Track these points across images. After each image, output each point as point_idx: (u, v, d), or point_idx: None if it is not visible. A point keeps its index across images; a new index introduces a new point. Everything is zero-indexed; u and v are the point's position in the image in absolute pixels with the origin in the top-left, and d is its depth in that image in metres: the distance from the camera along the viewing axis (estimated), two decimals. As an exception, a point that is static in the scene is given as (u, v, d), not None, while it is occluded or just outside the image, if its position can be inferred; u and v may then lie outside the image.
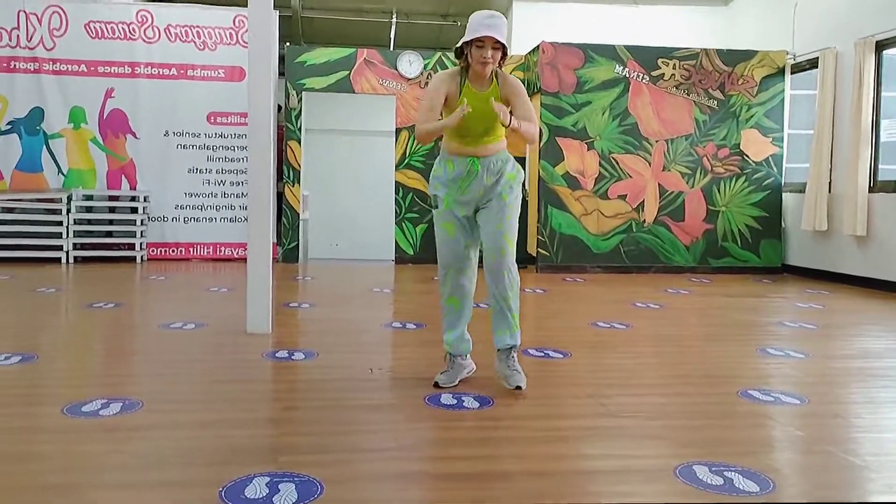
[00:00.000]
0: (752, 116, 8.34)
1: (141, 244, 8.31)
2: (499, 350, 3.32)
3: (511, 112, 3.17)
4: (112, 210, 8.57)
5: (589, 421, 2.93)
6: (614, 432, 2.80)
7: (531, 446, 2.63)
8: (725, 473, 2.33)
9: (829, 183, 7.66)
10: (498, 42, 3.11)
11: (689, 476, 2.30)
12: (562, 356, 3.97)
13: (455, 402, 3.06)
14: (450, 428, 2.81)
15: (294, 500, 2.08)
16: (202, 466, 2.36)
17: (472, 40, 3.12)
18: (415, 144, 8.65)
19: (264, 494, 2.12)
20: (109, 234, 8.46)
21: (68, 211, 8.06)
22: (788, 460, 2.62)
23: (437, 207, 3.34)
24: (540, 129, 7.96)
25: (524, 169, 8.77)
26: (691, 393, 3.39)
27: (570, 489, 2.26)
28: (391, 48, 9.70)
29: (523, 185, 3.41)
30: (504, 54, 3.19)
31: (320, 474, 2.26)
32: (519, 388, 3.20)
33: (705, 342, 4.69)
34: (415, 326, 4.79)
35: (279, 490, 2.15)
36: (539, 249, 8.04)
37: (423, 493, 2.25)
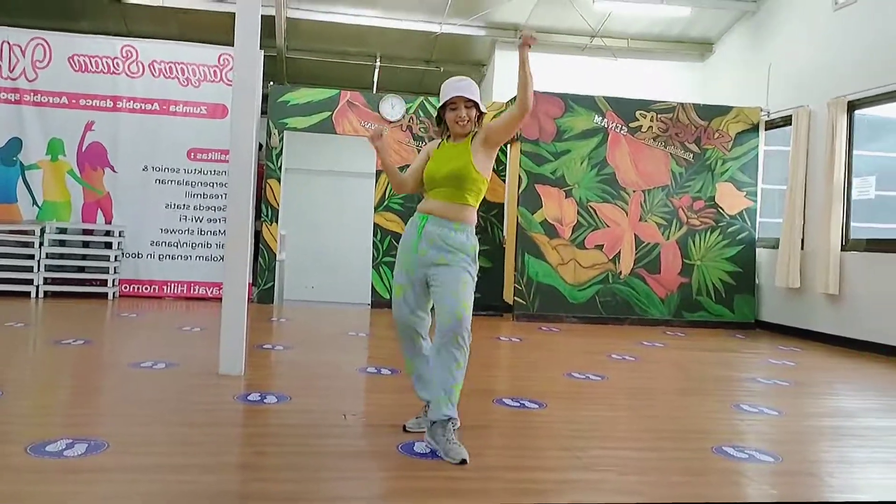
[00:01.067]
0: (727, 170, 8.48)
1: (114, 280, 8.20)
2: (433, 422, 3.04)
3: (494, 126, 3.20)
4: (86, 244, 8.47)
5: (564, 474, 2.90)
6: (589, 486, 2.77)
7: (505, 498, 2.59)
8: (700, 532, 2.31)
9: (802, 240, 7.78)
10: (470, 101, 3.17)
11: (664, 534, 2.28)
12: (537, 406, 3.95)
13: (428, 451, 3.02)
14: (422, 478, 2.77)
15: (262, 552, 2.03)
16: (168, 513, 2.29)
17: (446, 105, 3.20)
18: (395, 188, 8.68)
19: (231, 545, 2.06)
20: (82, 269, 8.34)
21: (41, 244, 7.95)
22: (763, 520, 2.61)
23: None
24: (519, 176, 8.06)
25: (503, 216, 8.85)
26: (666, 448, 3.37)
27: (544, 545, 2.23)
28: (374, 91, 9.79)
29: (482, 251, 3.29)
30: (480, 113, 3.23)
31: (289, 524, 2.20)
32: (465, 461, 2.88)
33: (680, 396, 4.69)
34: (389, 372, 4.74)
35: (247, 540, 2.09)
36: (515, 298, 8.03)
37: (394, 546, 2.20)
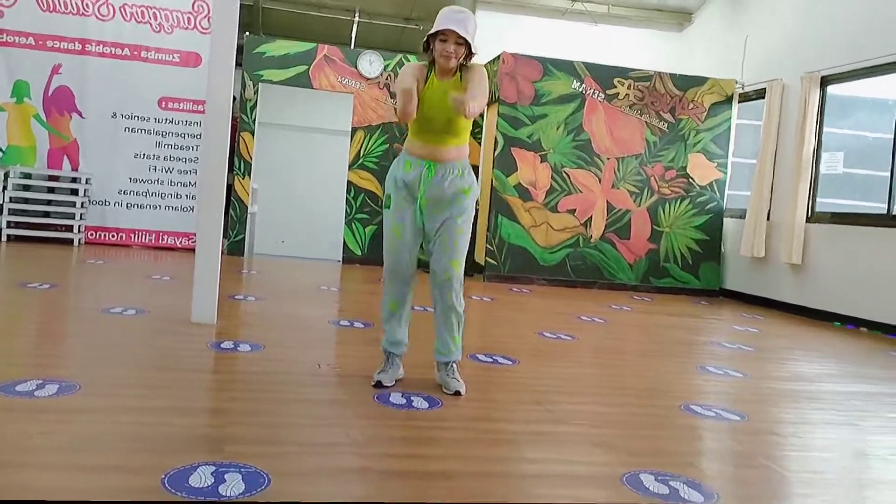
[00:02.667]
0: (699, 141, 8.55)
1: (79, 227, 8.07)
2: (438, 362, 3.33)
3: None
4: (51, 190, 8.29)
5: (535, 426, 2.94)
6: (560, 438, 2.83)
7: (478, 448, 2.63)
8: (671, 483, 2.37)
9: (769, 211, 7.91)
10: (461, 37, 3.10)
11: (635, 484, 2.34)
12: (510, 363, 3.99)
13: (404, 401, 3.05)
14: (398, 426, 2.80)
15: (241, 491, 2.04)
16: (144, 452, 2.29)
17: (436, 34, 3.13)
18: (370, 144, 8.61)
19: (209, 484, 2.07)
20: (47, 214, 8.18)
21: (4, 188, 7.77)
22: (730, 473, 2.68)
23: (388, 207, 3.28)
24: (495, 138, 8.04)
25: (478, 177, 8.85)
26: (636, 404, 3.44)
27: (516, 491, 2.28)
28: (352, 46, 9.64)
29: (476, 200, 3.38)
30: (470, 52, 3.17)
31: (267, 466, 2.22)
32: (458, 393, 3.19)
33: (648, 357, 4.77)
34: (362, 325, 4.75)
35: (225, 480, 2.10)
36: (487, 258, 8.07)
37: (368, 488, 2.22)
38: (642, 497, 2.24)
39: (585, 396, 3.53)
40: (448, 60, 3.13)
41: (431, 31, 3.15)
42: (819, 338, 6.13)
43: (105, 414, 2.64)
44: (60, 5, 8.15)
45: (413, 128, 3.24)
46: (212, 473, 2.13)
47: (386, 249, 3.27)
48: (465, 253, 3.27)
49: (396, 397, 3.09)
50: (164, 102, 8.40)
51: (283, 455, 2.36)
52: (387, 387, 3.22)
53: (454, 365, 3.31)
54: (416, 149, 3.23)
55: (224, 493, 2.01)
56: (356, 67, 8.61)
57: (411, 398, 3.09)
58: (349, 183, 8.65)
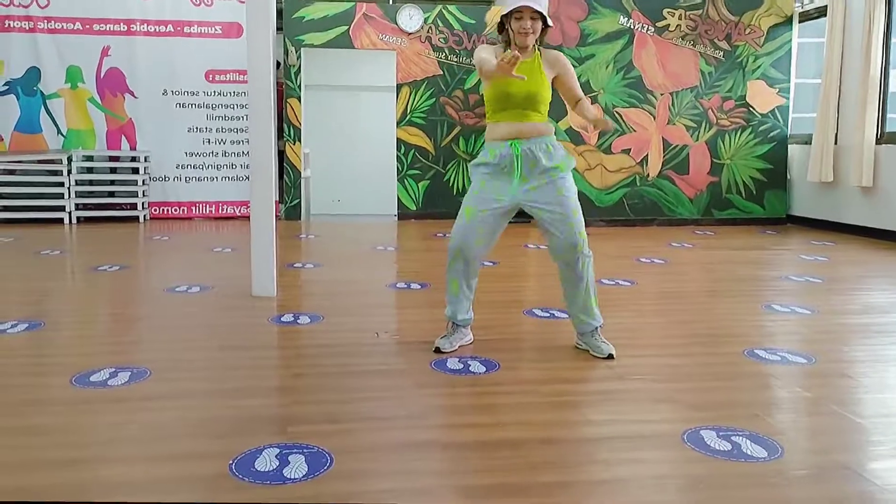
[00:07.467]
0: (758, 67, 8.20)
1: (143, 203, 8.29)
2: (581, 333, 3.31)
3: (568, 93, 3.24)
4: (113, 170, 8.53)
5: (596, 385, 2.93)
6: (622, 396, 2.81)
7: (539, 412, 2.63)
8: (733, 438, 2.33)
9: (836, 134, 7.58)
10: (536, 11, 3.05)
11: (696, 442, 2.31)
12: (567, 316, 3.95)
13: (462, 366, 3.07)
14: (457, 394, 2.82)
15: (304, 473, 2.09)
16: (212, 438, 2.36)
17: (511, 13, 3.09)
18: (416, 100, 8.54)
19: (274, 467, 2.12)
20: (111, 194, 8.42)
21: (69, 172, 8.01)
22: (796, 423, 2.62)
23: (471, 187, 3.27)
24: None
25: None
26: (698, 353, 3.39)
27: (578, 457, 2.28)
28: (390, 2, 9.50)
29: None
30: (545, 25, 3.12)
31: (329, 445, 2.27)
32: (611, 356, 3.18)
33: (711, 298, 4.68)
34: (419, 286, 4.78)
35: (289, 462, 2.16)
36: (543, 205, 7.98)
37: (431, 462, 2.25)
38: (704, 455, 2.22)
39: (646, 348, 3.48)
40: (526, 37, 3.09)
41: (505, 12, 3.11)
42: (892, 262, 5.91)
43: (174, 399, 2.72)
44: (102, -13, 8.24)
45: (491, 105, 3.18)
46: (276, 456, 2.19)
47: (455, 228, 3.24)
48: (583, 227, 3.19)
49: (453, 363, 3.11)
50: (210, 75, 8.47)
51: (344, 432, 2.40)
52: (445, 352, 3.25)
53: (598, 331, 3.29)
54: (498, 131, 3.16)
55: (288, 476, 2.07)
56: (396, 23, 8.50)
57: (468, 363, 3.11)
58: (399, 140, 8.61)
